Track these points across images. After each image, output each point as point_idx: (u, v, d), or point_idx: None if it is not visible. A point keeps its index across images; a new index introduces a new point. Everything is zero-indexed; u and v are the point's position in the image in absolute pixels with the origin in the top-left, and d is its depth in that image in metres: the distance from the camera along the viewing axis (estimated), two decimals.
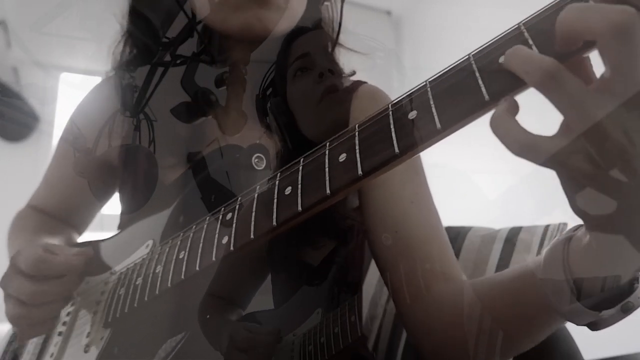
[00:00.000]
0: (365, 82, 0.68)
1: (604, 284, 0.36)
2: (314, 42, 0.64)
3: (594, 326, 0.38)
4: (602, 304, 0.36)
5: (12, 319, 0.54)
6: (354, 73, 0.69)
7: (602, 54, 0.26)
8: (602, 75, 0.27)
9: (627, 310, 0.36)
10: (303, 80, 0.61)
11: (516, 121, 0.29)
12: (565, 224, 0.87)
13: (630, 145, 0.27)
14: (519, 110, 0.29)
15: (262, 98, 0.62)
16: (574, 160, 0.28)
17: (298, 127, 0.58)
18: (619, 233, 0.30)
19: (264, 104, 0.61)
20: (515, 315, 0.45)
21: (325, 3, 0.67)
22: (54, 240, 0.67)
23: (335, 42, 0.67)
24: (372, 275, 0.89)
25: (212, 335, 0.52)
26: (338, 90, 0.63)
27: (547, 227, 0.86)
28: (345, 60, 0.69)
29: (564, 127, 0.29)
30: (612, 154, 0.27)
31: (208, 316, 0.52)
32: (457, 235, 0.92)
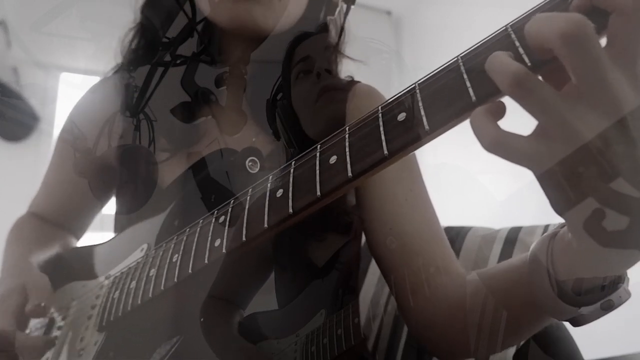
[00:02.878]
0: (359, 82, 0.69)
1: (589, 282, 0.36)
2: (315, 46, 0.65)
3: (574, 322, 0.39)
4: (581, 301, 0.37)
5: None
6: (351, 78, 0.70)
7: (562, 62, 0.27)
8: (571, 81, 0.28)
9: (607, 308, 0.37)
10: (303, 82, 0.62)
11: (491, 118, 0.29)
12: (564, 224, 0.87)
13: (605, 146, 0.27)
14: (504, 112, 0.30)
15: (273, 103, 0.63)
16: (547, 161, 0.29)
17: (302, 129, 0.59)
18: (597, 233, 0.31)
19: (274, 110, 0.62)
20: (506, 309, 0.45)
21: (329, 17, 0.67)
22: (51, 250, 0.67)
23: (336, 50, 0.68)
24: (372, 275, 0.89)
25: (215, 342, 0.52)
26: (333, 89, 0.64)
27: (547, 227, 0.86)
28: (346, 62, 0.70)
29: (538, 129, 0.30)
30: (587, 156, 0.27)
31: (208, 320, 0.52)
32: (457, 235, 0.92)
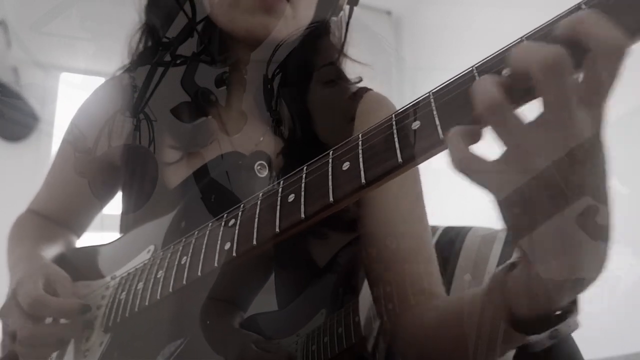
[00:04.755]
0: (371, 90, 0.69)
1: (538, 312, 0.37)
2: (333, 43, 0.67)
3: (522, 349, 0.40)
4: (533, 330, 0.38)
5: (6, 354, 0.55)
6: (360, 80, 0.70)
7: (537, 92, 0.28)
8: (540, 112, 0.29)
9: (554, 337, 0.38)
10: (334, 93, 0.65)
11: (466, 140, 0.31)
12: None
13: (562, 180, 0.29)
14: (480, 138, 0.31)
15: (271, 79, 0.63)
16: (507, 187, 0.30)
17: (310, 121, 0.59)
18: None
19: (272, 86, 0.62)
20: (465, 335, 0.46)
21: (333, 18, 0.68)
22: (54, 248, 0.67)
23: (340, 53, 0.69)
24: None
25: (215, 341, 0.52)
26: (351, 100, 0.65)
27: None
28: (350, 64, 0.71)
29: (504, 155, 0.31)
30: (542, 185, 0.29)
31: (209, 321, 0.52)
32: (457, 235, 0.92)
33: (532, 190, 0.30)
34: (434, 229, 0.98)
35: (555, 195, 0.29)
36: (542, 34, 0.30)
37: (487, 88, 0.29)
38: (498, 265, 0.84)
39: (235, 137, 0.63)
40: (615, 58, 0.27)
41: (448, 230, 0.96)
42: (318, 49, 0.65)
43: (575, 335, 0.70)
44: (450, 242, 0.92)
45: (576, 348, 0.69)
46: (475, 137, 0.31)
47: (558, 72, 0.27)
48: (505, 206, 0.32)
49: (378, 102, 0.68)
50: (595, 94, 0.28)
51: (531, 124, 0.29)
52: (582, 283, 0.34)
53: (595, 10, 0.28)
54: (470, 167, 0.30)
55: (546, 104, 0.28)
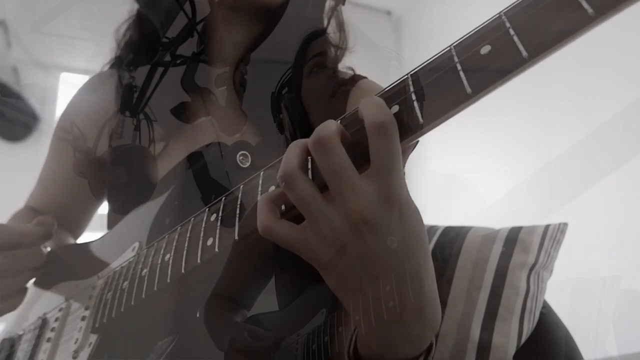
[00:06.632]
0: (365, 77, 0.68)
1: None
2: (329, 43, 0.66)
3: None
4: None
5: None
6: (353, 72, 0.69)
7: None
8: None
9: None
10: (319, 76, 0.63)
11: (272, 207, 0.34)
12: (565, 224, 0.87)
13: (355, 250, 0.31)
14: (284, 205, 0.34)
15: (277, 97, 0.62)
16: (309, 251, 0.33)
17: (310, 123, 0.58)
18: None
19: (279, 103, 0.61)
20: None
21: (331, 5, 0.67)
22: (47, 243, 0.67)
23: (341, 48, 0.68)
24: None
25: (217, 335, 0.51)
26: (346, 84, 0.65)
27: (547, 227, 0.86)
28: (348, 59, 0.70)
29: (306, 221, 0.33)
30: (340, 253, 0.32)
31: (206, 316, 0.52)
32: (457, 235, 0.92)
33: (331, 257, 0.32)
34: (434, 229, 0.98)
35: (354, 264, 0.32)
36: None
37: (289, 157, 0.32)
38: (498, 265, 0.84)
39: (235, 137, 0.63)
40: (377, 133, 0.30)
41: (448, 230, 0.96)
42: (318, 46, 0.64)
43: (575, 335, 0.70)
44: (450, 242, 0.92)
45: (576, 348, 0.69)
46: (281, 200, 0.34)
47: (386, 133, 0.30)
48: (318, 269, 0.34)
49: (373, 90, 0.66)
50: (376, 167, 0.31)
51: (324, 196, 0.32)
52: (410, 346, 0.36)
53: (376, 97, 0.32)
54: (273, 233, 0.33)
55: (325, 178, 0.31)
